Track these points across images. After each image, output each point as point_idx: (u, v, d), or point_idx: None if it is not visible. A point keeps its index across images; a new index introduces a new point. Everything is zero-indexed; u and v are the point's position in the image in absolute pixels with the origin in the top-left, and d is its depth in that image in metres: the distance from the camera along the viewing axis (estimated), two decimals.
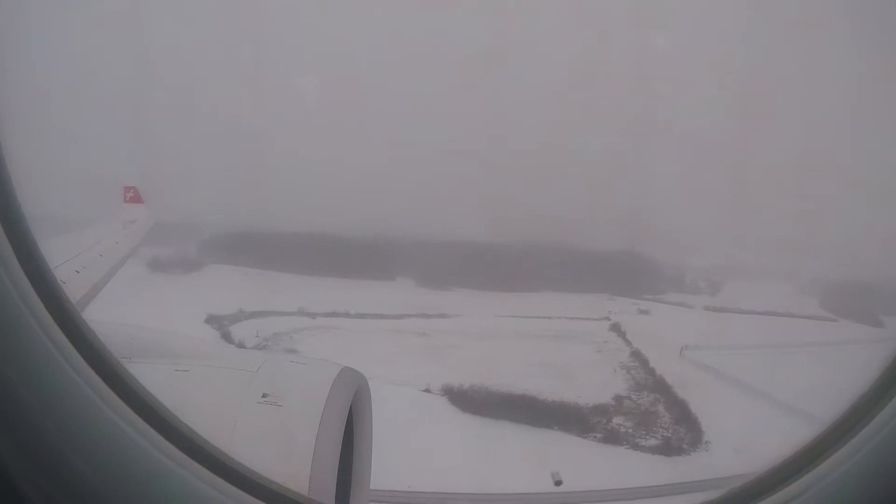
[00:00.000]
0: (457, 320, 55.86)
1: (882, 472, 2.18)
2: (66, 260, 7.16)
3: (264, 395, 3.92)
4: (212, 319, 50.48)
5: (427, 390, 41.80)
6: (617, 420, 40.09)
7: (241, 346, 40.56)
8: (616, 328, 55.54)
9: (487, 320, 54.12)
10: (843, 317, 52.73)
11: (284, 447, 3.71)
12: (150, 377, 2.63)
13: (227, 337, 46.59)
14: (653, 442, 37.99)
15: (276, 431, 3.81)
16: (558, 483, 29.95)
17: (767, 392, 40.13)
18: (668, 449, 37.10)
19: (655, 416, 41.02)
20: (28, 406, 1.99)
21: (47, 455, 1.99)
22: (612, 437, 38.27)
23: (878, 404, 2.25)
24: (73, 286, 6.39)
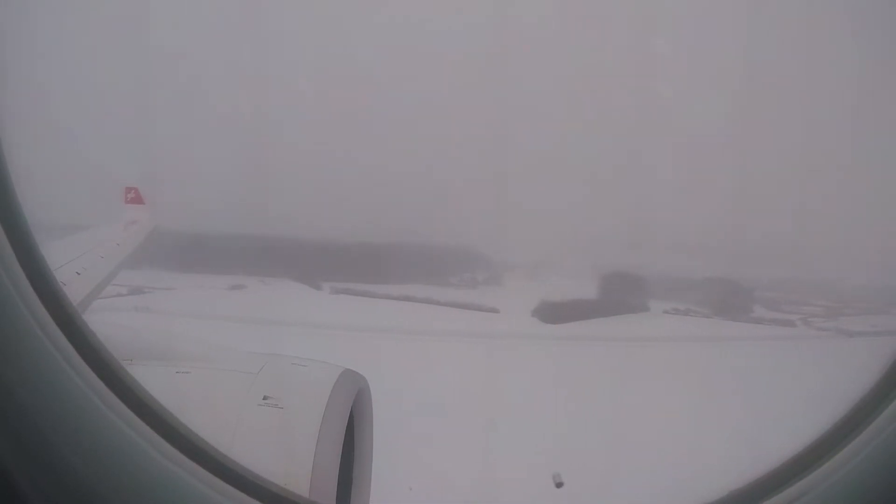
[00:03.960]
0: None
1: (886, 472, 2.16)
2: (67, 261, 7.14)
3: (265, 398, 3.92)
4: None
5: None
6: None
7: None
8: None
9: None
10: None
11: (285, 449, 3.71)
12: (151, 379, 2.63)
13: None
14: None
15: (276, 433, 3.82)
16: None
17: None
18: None
19: None
20: (29, 408, 1.98)
21: (48, 458, 1.99)
22: None
23: (882, 403, 2.24)
24: (74, 288, 6.37)
